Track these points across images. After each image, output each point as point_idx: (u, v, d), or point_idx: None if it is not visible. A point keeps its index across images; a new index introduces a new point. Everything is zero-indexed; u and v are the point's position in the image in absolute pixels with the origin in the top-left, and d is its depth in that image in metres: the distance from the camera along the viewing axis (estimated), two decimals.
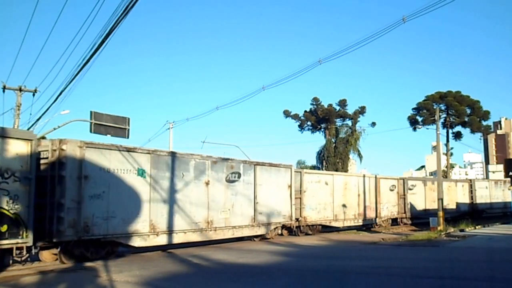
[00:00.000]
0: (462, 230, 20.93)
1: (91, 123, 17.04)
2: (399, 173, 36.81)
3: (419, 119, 46.04)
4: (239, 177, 15.63)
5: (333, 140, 46.14)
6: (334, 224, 21.35)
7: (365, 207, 23.36)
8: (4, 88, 20.50)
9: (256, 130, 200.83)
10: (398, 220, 25.87)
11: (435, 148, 56.78)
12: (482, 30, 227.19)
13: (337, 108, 46.81)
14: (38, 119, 19.40)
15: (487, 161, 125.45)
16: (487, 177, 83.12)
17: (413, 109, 47.04)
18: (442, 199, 23.11)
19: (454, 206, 30.28)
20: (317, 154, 47.41)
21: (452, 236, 18.51)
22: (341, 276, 9.20)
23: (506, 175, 29.55)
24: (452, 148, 49.18)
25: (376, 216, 24.09)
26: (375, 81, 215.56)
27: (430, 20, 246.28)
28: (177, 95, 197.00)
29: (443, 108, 44.86)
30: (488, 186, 34.14)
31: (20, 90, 20.66)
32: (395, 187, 25.72)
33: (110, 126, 17.57)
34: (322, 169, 42.89)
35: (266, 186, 16.80)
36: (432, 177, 27.86)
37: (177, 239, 13.35)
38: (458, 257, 12.43)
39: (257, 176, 16.44)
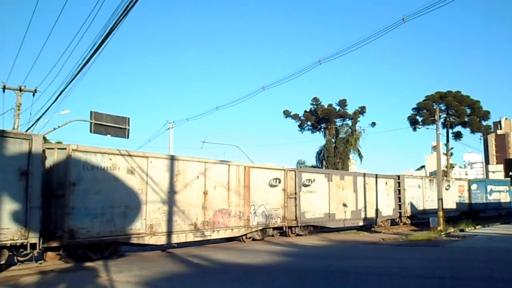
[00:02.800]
0: (462, 230, 20.94)
1: (91, 123, 17.03)
2: (399, 173, 35.47)
3: (419, 119, 46.04)
4: None
5: (333, 140, 46.09)
6: (149, 240, 12.75)
7: (218, 212, 15.10)
8: (4, 88, 20.49)
9: (256, 130, 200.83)
10: (285, 229, 18.47)
11: (435, 148, 56.78)
12: (482, 30, 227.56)
13: (337, 108, 46.79)
14: (38, 119, 19.41)
15: (487, 161, 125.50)
16: (487, 177, 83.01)
17: (413, 109, 47.07)
18: (441, 199, 23.07)
19: (373, 212, 23.44)
20: (317, 154, 47.37)
21: (452, 236, 18.52)
22: (341, 276, 9.20)
23: (506, 175, 29.41)
24: (452, 148, 49.12)
25: (245, 225, 16.24)
26: (375, 81, 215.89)
27: (430, 20, 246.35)
28: (177, 95, 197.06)
29: (443, 108, 44.86)
30: (421, 185, 27.48)
31: (20, 90, 20.66)
32: (279, 182, 18.11)
33: (110, 126, 17.56)
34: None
35: None
36: (342, 171, 22.52)
37: None
38: (458, 257, 12.43)
39: None
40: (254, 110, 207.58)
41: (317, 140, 60.74)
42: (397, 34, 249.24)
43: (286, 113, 48.08)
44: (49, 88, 58.81)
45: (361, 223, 22.76)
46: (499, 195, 34.74)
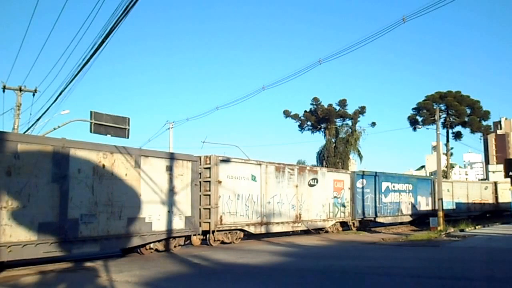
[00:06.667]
0: (462, 230, 20.93)
1: (91, 123, 17.04)
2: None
3: (419, 119, 46.10)
4: None
5: (333, 140, 46.06)
6: None
7: None
8: (4, 88, 20.48)
9: (256, 130, 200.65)
10: None
11: (435, 148, 56.80)
12: (482, 30, 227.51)
13: (337, 108, 46.77)
14: (38, 119, 19.41)
15: (487, 161, 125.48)
16: (487, 178, 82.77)
17: (413, 109, 47.14)
18: (442, 199, 23.09)
19: (124, 224, 11.40)
20: (317, 154, 47.33)
21: (452, 236, 18.51)
22: (341, 276, 9.19)
23: (506, 175, 29.36)
24: (452, 148, 49.23)
25: None
26: (375, 81, 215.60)
27: (430, 20, 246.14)
28: (177, 95, 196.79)
29: (443, 108, 44.89)
30: (259, 176, 16.52)
31: (20, 90, 20.65)
32: None
33: (110, 126, 17.57)
34: None
35: None
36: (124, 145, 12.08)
37: None
38: (458, 257, 12.43)
39: None
40: (254, 110, 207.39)
41: (317, 140, 60.63)
42: (397, 34, 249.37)
43: (286, 113, 48.08)
44: (49, 88, 58.64)
45: (79, 250, 10.58)
46: (399, 196, 24.81)
